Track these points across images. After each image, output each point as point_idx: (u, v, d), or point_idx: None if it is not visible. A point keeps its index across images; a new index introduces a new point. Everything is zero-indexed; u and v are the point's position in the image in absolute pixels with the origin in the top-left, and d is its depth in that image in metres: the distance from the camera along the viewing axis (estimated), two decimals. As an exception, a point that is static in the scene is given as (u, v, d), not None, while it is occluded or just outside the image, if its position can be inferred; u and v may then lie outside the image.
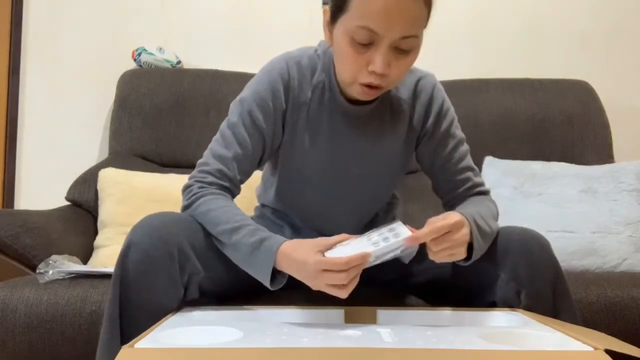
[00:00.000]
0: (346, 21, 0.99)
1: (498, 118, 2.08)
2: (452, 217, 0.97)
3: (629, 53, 2.36)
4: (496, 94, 2.12)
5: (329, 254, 0.92)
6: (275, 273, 1.00)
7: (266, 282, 0.99)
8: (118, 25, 2.32)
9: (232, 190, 1.12)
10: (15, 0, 2.30)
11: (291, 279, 0.99)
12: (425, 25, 1.01)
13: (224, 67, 2.18)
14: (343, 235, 0.96)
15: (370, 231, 0.96)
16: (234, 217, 1.04)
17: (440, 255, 0.96)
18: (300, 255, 0.94)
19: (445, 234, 0.95)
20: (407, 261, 1.15)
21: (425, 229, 0.94)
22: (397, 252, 0.94)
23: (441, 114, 1.18)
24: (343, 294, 0.91)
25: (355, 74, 1.02)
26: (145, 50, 2.21)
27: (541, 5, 2.37)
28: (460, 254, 0.98)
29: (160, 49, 2.23)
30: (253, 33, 2.33)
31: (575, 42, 2.36)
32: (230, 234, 1.02)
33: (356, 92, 1.06)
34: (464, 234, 0.97)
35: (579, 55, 2.35)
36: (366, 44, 0.98)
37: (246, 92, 1.14)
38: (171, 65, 2.22)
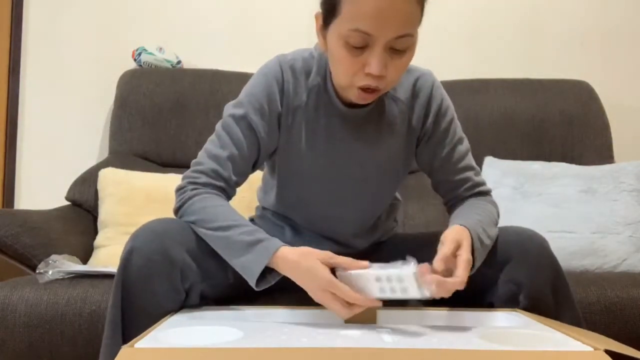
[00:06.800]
0: (338, 25, 0.97)
1: (498, 118, 2.08)
2: (447, 240, 0.96)
3: (629, 53, 2.36)
4: (496, 94, 2.12)
5: (342, 277, 0.91)
6: (265, 274, 0.99)
7: (253, 280, 0.97)
8: (118, 25, 2.32)
9: (227, 191, 1.11)
10: (15, 0, 2.30)
11: (284, 281, 0.98)
12: (419, 23, 0.99)
13: (224, 67, 2.18)
14: (353, 261, 0.92)
15: (380, 268, 0.90)
16: (232, 215, 1.03)
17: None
18: (306, 266, 0.93)
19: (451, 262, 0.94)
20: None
21: (436, 289, 0.90)
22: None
23: (440, 113, 1.16)
24: (343, 316, 0.91)
25: (351, 78, 1.00)
26: (145, 50, 2.21)
27: (541, 5, 2.37)
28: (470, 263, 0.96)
29: (160, 49, 2.23)
30: (253, 33, 2.33)
31: (575, 42, 2.36)
32: (227, 229, 1.01)
33: (353, 96, 1.04)
34: (465, 251, 0.95)
35: (579, 55, 2.35)
36: (361, 47, 0.96)
37: (241, 95, 1.13)
38: (171, 65, 2.22)
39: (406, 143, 1.18)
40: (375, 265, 0.90)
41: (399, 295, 0.87)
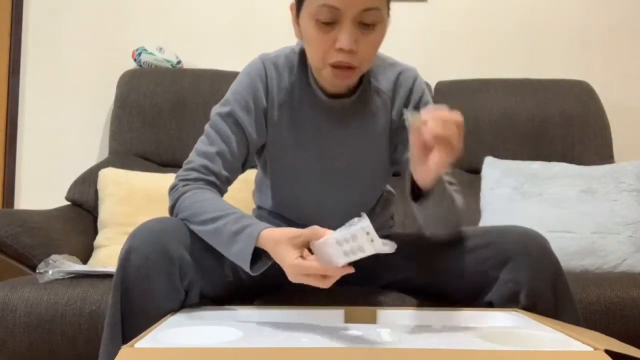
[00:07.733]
0: (308, 6, 1.01)
1: (498, 118, 2.08)
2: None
3: (629, 53, 2.36)
4: (496, 94, 2.12)
5: (313, 246, 0.89)
6: (262, 256, 0.98)
7: (246, 268, 0.98)
8: (118, 25, 2.33)
9: (219, 186, 1.11)
10: (15, 0, 2.30)
11: (284, 281, 0.98)
12: (387, 1, 1.03)
13: (224, 67, 2.18)
14: (315, 230, 0.91)
15: (339, 230, 0.85)
16: (220, 206, 1.04)
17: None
18: (278, 253, 0.93)
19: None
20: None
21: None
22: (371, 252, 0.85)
23: (419, 106, 1.16)
24: (325, 286, 0.89)
25: (324, 56, 1.03)
26: (145, 50, 2.21)
27: (541, 5, 2.37)
28: (452, 154, 0.93)
29: (160, 49, 2.23)
30: (253, 33, 2.33)
31: (575, 42, 2.36)
32: (215, 220, 1.01)
33: (328, 77, 1.06)
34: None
35: (579, 55, 2.35)
36: (330, 23, 1.00)
37: (227, 94, 1.17)
38: (171, 65, 2.22)
39: (390, 134, 1.19)
40: (339, 229, 0.86)
41: (359, 255, 0.83)
